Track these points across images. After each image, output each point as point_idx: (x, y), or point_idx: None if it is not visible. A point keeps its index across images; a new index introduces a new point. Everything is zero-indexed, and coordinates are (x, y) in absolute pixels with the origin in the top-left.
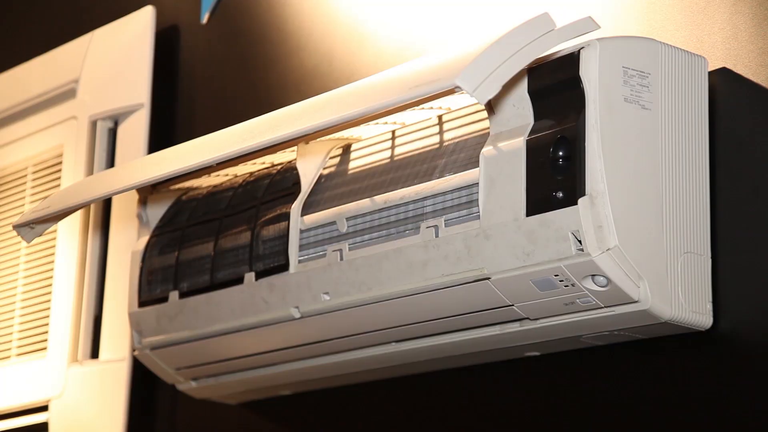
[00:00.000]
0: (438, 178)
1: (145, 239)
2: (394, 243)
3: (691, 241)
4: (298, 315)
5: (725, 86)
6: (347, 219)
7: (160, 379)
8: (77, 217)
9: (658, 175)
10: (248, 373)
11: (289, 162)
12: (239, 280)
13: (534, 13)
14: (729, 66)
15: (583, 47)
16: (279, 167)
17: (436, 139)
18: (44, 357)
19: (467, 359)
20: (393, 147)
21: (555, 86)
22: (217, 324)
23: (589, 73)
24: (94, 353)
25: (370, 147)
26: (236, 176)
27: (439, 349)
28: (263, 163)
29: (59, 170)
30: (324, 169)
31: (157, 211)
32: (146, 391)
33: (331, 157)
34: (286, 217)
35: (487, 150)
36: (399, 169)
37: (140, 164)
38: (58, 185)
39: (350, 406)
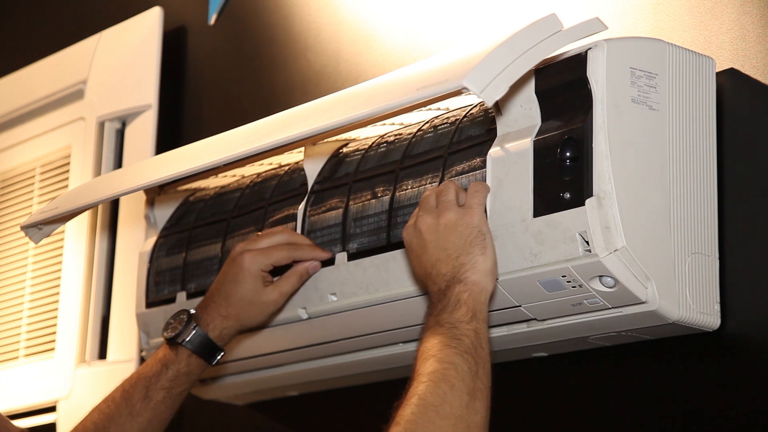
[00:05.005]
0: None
1: (152, 240)
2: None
3: (698, 242)
4: (305, 316)
5: (733, 87)
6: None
7: None
8: (85, 218)
9: (666, 175)
10: (256, 374)
11: (297, 163)
12: None
13: (541, 14)
14: (737, 66)
15: (590, 48)
16: (286, 168)
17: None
18: (52, 358)
19: None
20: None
21: (562, 87)
22: None
23: (596, 73)
24: (102, 354)
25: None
26: (243, 177)
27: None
28: (270, 164)
29: (67, 171)
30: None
31: (164, 212)
32: None
33: (338, 158)
34: (293, 217)
35: (494, 151)
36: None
37: (148, 165)
38: (66, 186)
39: (357, 407)
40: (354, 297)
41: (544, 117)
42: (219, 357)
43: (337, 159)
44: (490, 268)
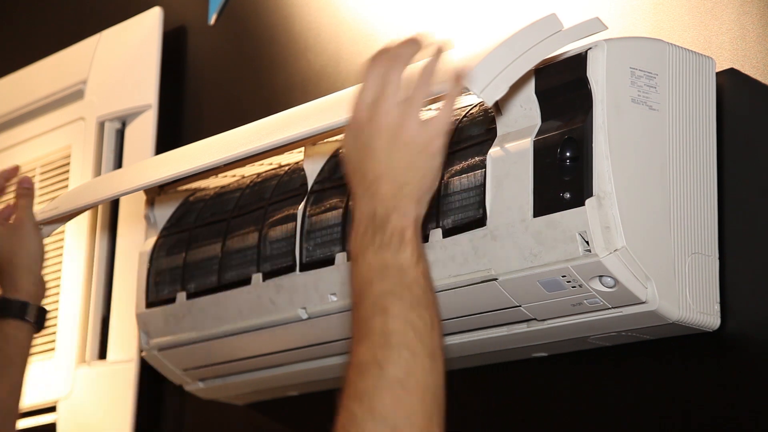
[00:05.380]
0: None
1: (152, 240)
2: None
3: (698, 242)
4: (305, 316)
5: (733, 87)
6: None
7: (167, 380)
8: (85, 218)
9: (666, 175)
10: (256, 374)
11: (297, 163)
12: (247, 281)
13: (542, 14)
14: (736, 67)
15: (590, 48)
16: (286, 168)
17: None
18: (52, 358)
19: (474, 360)
20: None
21: (562, 87)
22: (224, 325)
23: (596, 73)
24: (102, 354)
25: None
26: (243, 177)
27: (446, 350)
28: (270, 164)
29: (67, 171)
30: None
31: (164, 212)
32: (154, 392)
33: (338, 158)
34: (293, 217)
35: (494, 151)
36: None
37: (148, 165)
38: (66, 186)
39: None
40: None
41: (544, 117)
42: (35, 312)
43: (337, 159)
44: (429, 198)
